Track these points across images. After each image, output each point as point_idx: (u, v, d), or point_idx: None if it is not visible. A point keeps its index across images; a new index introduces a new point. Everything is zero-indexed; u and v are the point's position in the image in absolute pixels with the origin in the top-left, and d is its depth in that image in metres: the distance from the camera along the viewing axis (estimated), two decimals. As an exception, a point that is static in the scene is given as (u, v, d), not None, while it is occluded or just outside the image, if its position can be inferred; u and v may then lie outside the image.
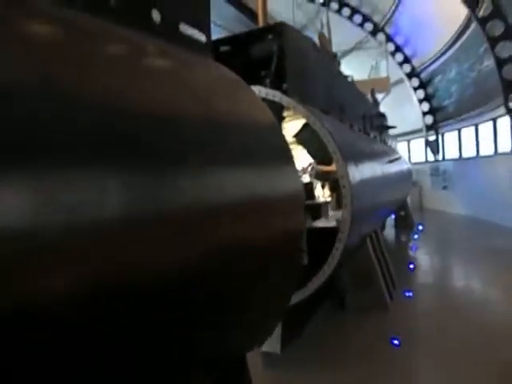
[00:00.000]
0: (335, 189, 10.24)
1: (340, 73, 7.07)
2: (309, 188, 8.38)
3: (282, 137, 2.63)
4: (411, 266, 9.25)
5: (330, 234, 4.51)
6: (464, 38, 15.50)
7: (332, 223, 4.68)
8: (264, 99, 4.82)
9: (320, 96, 5.48)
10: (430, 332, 5.49)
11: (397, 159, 9.36)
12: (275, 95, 4.25)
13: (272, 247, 2.12)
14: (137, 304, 1.01)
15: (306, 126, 4.76)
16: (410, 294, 7.15)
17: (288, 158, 2.52)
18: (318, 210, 6.44)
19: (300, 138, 4.90)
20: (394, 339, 5.11)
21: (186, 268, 1.23)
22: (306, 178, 10.40)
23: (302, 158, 7.09)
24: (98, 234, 0.87)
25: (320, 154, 4.59)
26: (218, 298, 1.52)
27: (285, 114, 5.21)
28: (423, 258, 10.66)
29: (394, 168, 9.15)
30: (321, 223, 4.85)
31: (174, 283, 1.17)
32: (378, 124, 10.50)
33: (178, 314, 1.23)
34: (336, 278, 6.26)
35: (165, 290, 1.13)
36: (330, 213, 8.12)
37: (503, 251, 10.10)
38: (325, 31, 12.07)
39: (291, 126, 5.49)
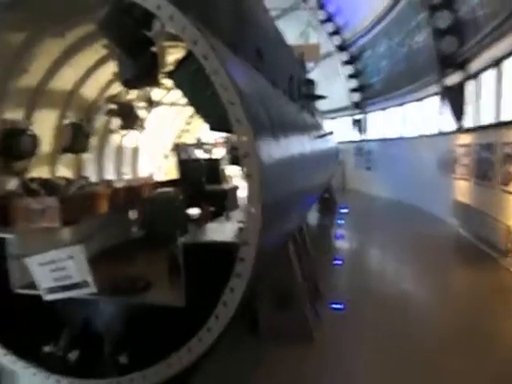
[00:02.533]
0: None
1: (263, 4, 5.00)
2: (215, 166, 6.34)
3: None
4: (338, 262, 7.90)
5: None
6: (397, 8, 14.36)
7: (229, 234, 2.73)
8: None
9: (226, 22, 3.39)
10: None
11: (327, 135, 7.73)
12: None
13: None
14: None
15: (187, 59, 2.68)
16: (340, 306, 5.66)
17: None
18: (221, 201, 4.49)
19: (176, 77, 2.80)
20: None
21: None
22: (216, 154, 8.38)
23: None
24: None
25: (211, 109, 2.58)
26: None
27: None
28: (349, 249, 9.43)
29: (323, 146, 7.52)
30: (213, 233, 2.89)
31: None
32: (306, 92, 8.73)
33: None
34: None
35: None
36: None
37: (431, 242, 9.25)
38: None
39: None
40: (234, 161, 6.43)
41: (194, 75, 2.80)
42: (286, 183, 3.02)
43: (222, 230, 2.97)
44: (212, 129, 2.93)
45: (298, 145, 3.89)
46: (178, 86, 2.91)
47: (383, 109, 17.85)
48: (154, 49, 3.22)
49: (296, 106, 6.48)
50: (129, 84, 3.66)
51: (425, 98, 13.65)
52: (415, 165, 14.18)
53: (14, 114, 3.92)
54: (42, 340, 3.04)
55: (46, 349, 3.01)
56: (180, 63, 2.86)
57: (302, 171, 4.10)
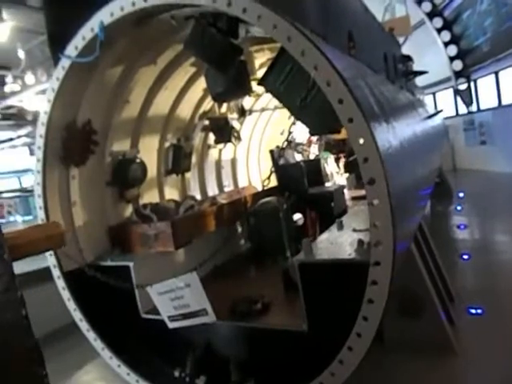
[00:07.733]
0: (351, 164, 7.82)
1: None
2: (316, 167, 5.98)
3: None
4: (465, 257, 6.90)
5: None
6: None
7: (348, 248, 2.39)
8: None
9: (311, 9, 3.07)
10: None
11: (436, 114, 6.83)
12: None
13: None
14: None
15: (277, 61, 2.43)
16: (479, 310, 4.86)
17: None
18: (327, 204, 4.16)
19: (268, 83, 2.56)
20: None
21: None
22: (312, 152, 8.04)
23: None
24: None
25: (311, 110, 2.29)
26: None
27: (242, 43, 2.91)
28: (474, 241, 8.21)
29: (432, 126, 6.68)
30: (330, 248, 2.56)
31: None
32: (403, 70, 7.89)
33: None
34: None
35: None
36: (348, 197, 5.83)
37: None
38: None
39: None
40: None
41: (287, 77, 2.55)
42: (408, 182, 2.58)
43: (339, 244, 2.64)
44: (313, 132, 2.64)
45: (410, 134, 3.37)
46: (271, 92, 2.68)
47: (494, 72, 15.50)
48: (242, 57, 3.06)
49: (396, 88, 5.83)
50: (220, 97, 3.56)
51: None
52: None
53: (122, 145, 4.14)
54: (170, 364, 3.08)
55: (176, 373, 3.04)
56: (270, 67, 2.62)
57: (418, 162, 3.56)
